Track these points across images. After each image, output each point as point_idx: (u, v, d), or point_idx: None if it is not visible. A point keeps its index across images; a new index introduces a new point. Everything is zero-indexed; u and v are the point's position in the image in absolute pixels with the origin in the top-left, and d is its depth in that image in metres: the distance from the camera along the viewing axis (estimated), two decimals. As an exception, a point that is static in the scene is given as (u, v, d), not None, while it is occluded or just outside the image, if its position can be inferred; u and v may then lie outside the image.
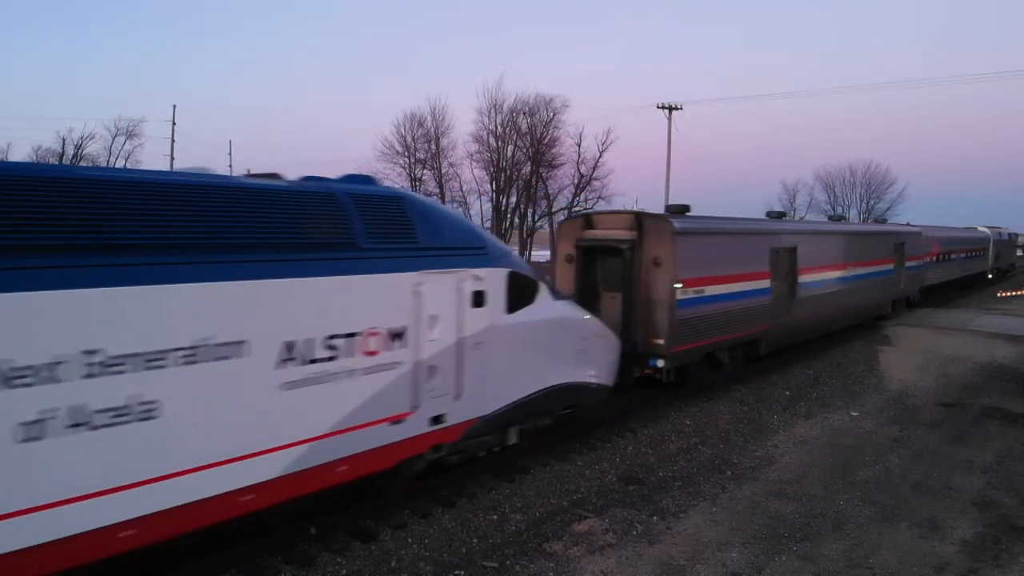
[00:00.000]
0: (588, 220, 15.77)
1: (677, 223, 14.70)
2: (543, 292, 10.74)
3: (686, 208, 17.48)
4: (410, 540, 8.84)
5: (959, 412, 15.68)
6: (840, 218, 28.02)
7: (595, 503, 10.19)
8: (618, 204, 56.56)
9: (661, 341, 14.31)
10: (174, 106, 69.18)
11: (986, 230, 49.35)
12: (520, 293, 10.24)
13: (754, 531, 9.36)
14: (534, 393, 10.64)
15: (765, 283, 17.34)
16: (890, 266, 26.27)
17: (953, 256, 38.11)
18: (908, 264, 28.20)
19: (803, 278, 19.13)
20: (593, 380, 12.16)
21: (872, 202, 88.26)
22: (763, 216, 22.25)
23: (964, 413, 15.62)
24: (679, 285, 14.28)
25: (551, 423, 11.82)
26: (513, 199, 59.97)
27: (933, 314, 30.23)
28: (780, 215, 23.64)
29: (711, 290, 15.27)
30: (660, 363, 14.34)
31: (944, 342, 23.68)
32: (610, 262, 14.85)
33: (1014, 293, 40.67)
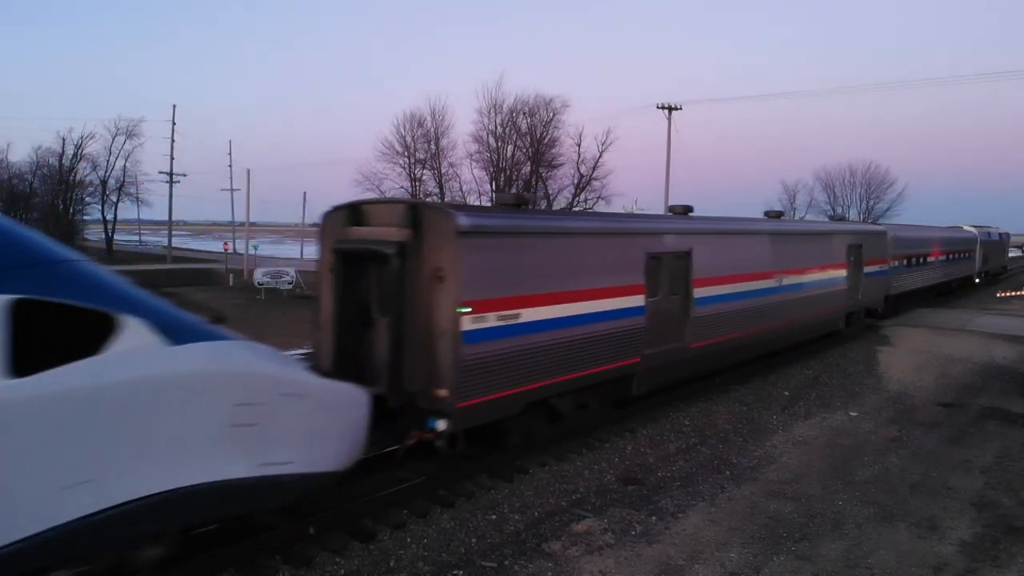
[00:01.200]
0: (354, 212, 10.92)
1: (465, 218, 10.08)
2: (133, 333, 6.09)
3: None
4: (409, 540, 8.85)
5: (958, 412, 15.69)
6: (779, 214, 22.36)
7: (594, 503, 10.20)
8: (618, 204, 56.62)
9: (443, 392, 9.81)
10: (174, 106, 69.23)
11: (972, 229, 44.62)
12: (54, 338, 5.85)
13: (753, 531, 9.36)
14: (92, 515, 5.72)
15: (637, 300, 12.89)
16: (842, 273, 21.78)
17: (930, 259, 33.00)
18: (868, 270, 23.82)
19: (702, 291, 14.79)
20: (281, 469, 7.17)
21: (872, 202, 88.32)
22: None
23: (963, 413, 15.62)
24: (466, 310, 9.82)
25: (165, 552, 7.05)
26: (513, 199, 59.82)
27: (932, 314, 30.23)
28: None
29: (532, 315, 10.84)
30: (441, 425, 9.78)
31: (943, 342, 23.68)
32: (379, 274, 10.37)
33: (1013, 293, 40.54)
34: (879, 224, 28.80)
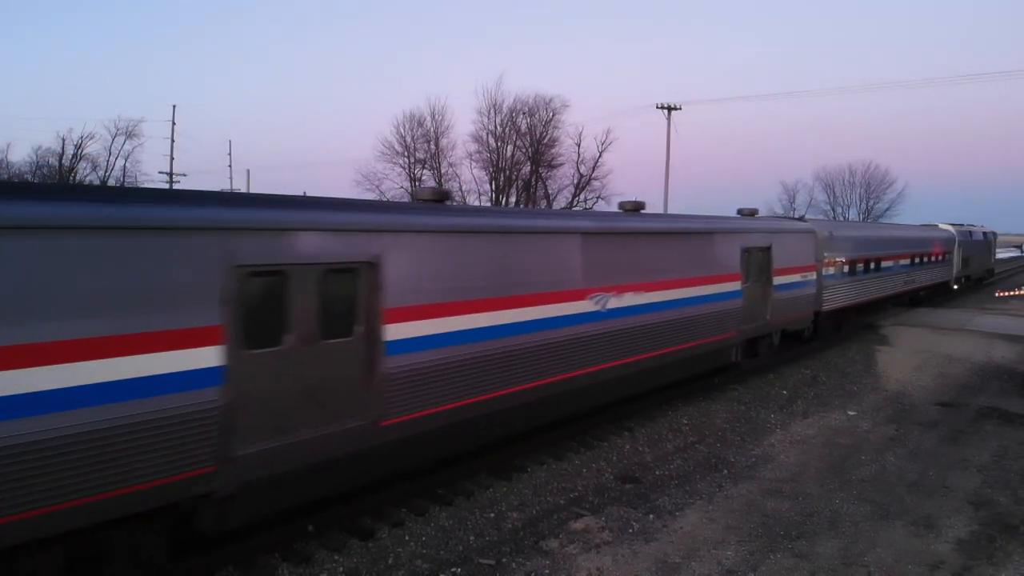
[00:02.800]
0: None
1: None
2: None
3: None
4: (407, 538, 8.89)
5: (956, 412, 15.72)
6: (638, 207, 15.70)
7: (592, 501, 10.24)
8: (617, 205, 56.64)
9: None
10: (174, 106, 69.21)
11: (949, 228, 39.14)
12: None
13: (750, 529, 9.40)
14: None
15: (202, 357, 6.93)
16: (731, 286, 16.03)
17: (887, 264, 27.15)
18: (783, 280, 18.24)
19: (401, 329, 8.85)
20: None
21: (872, 202, 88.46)
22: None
23: (961, 413, 15.66)
24: None
25: None
26: (513, 199, 60.02)
27: (931, 314, 30.26)
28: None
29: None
30: None
31: (942, 342, 23.72)
32: None
33: (1012, 293, 40.45)
34: (806, 219, 22.47)
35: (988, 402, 16.57)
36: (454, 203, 13.73)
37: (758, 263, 17.32)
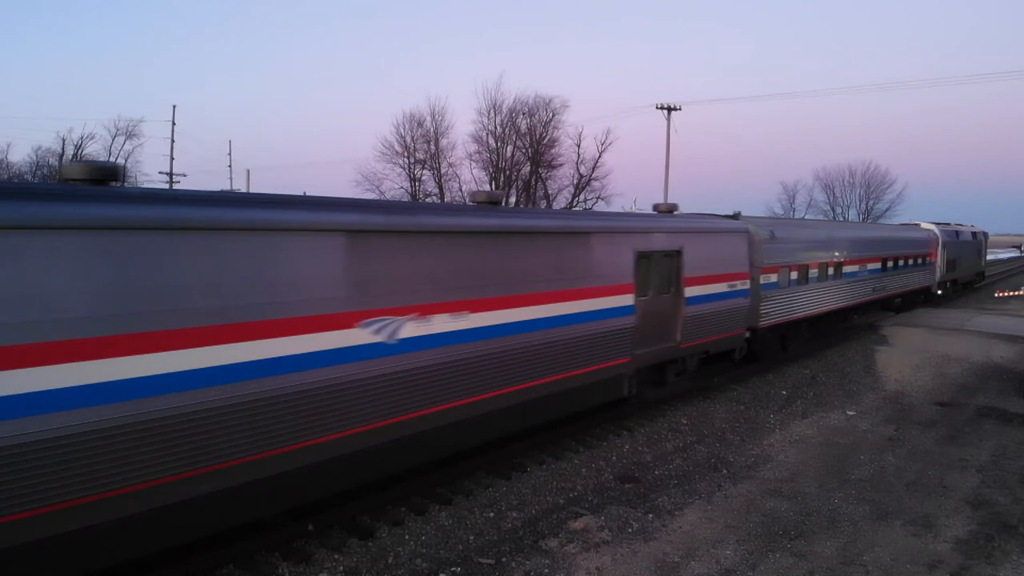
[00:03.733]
0: None
1: None
2: None
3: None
4: (407, 537, 8.91)
5: (955, 411, 15.75)
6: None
7: (591, 501, 10.26)
8: (617, 205, 56.65)
9: None
10: (174, 106, 69.20)
11: (931, 227, 35.33)
12: None
13: (749, 529, 9.43)
14: None
15: None
16: (619, 301, 12.67)
17: (850, 268, 23.48)
18: (700, 292, 14.95)
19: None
20: None
21: (871, 203, 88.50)
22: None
23: (960, 412, 15.68)
24: None
25: None
26: (513, 199, 60.06)
27: (930, 314, 30.27)
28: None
29: None
30: None
31: (941, 342, 23.73)
32: None
33: (1012, 293, 40.41)
34: (741, 217, 18.66)
35: (987, 402, 16.60)
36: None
37: (662, 271, 13.86)
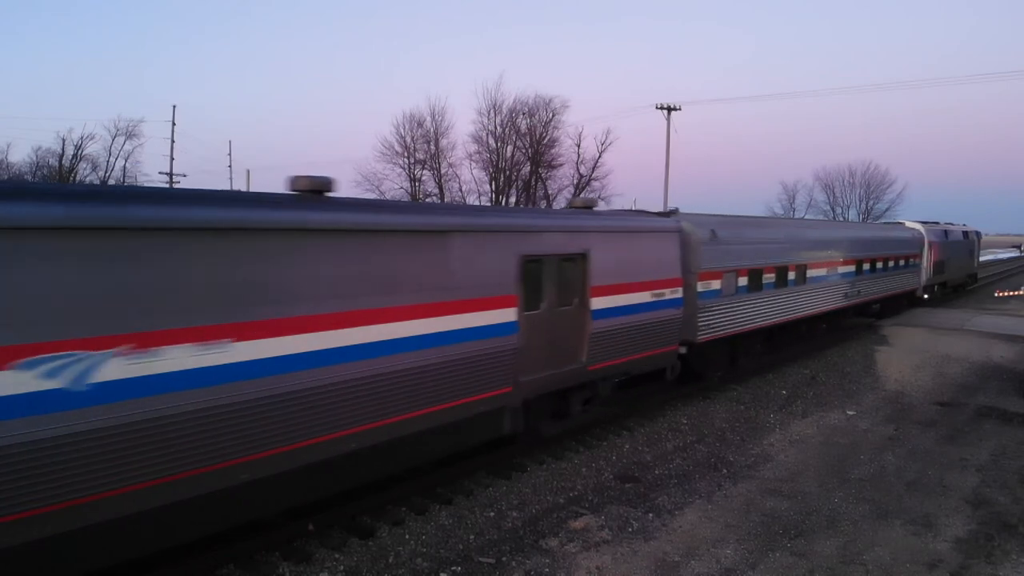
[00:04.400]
0: None
1: None
2: None
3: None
4: (407, 536, 8.91)
5: (955, 411, 15.76)
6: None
7: (591, 500, 10.27)
8: (617, 204, 56.72)
9: None
10: (174, 106, 69.15)
11: (916, 226, 32.82)
12: None
13: (749, 528, 9.43)
14: None
15: None
16: (493, 317, 10.31)
17: (815, 272, 20.73)
18: (613, 303, 12.65)
19: None
20: None
21: (871, 203, 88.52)
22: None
23: (960, 412, 15.69)
24: None
25: None
26: (512, 199, 60.07)
27: (930, 314, 30.27)
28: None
29: None
30: None
31: (941, 342, 23.73)
32: None
33: (1011, 293, 40.39)
34: (680, 215, 16.11)
35: (987, 402, 16.61)
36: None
37: (561, 279, 11.52)
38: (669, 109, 52.48)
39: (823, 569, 8.40)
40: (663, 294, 13.91)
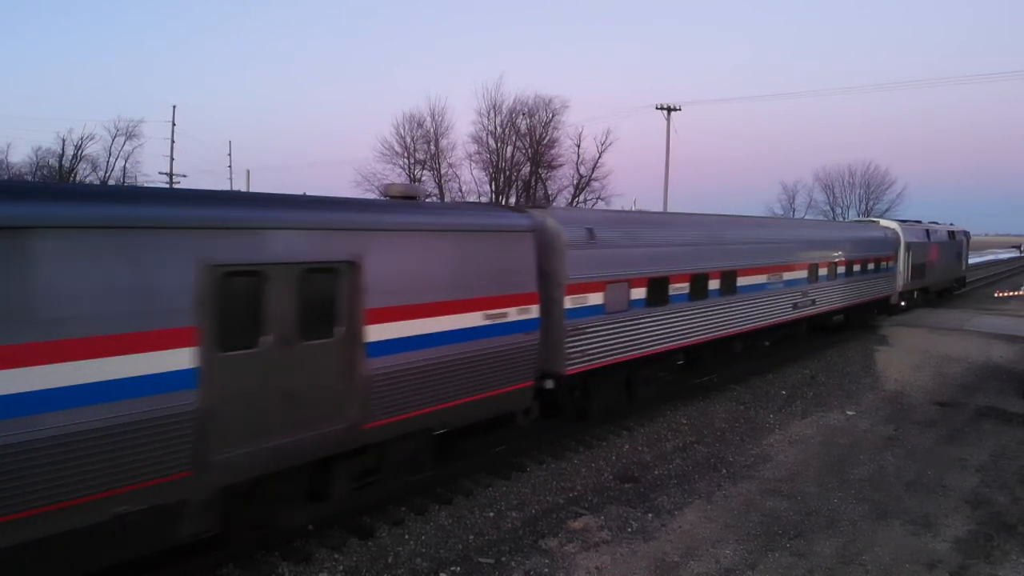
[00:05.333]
0: None
1: None
2: None
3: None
4: (407, 537, 8.92)
5: (954, 411, 15.76)
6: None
7: (591, 500, 10.27)
8: (616, 205, 56.68)
9: None
10: (174, 106, 69.08)
11: (892, 225, 29.47)
12: None
13: (748, 528, 9.44)
14: None
15: None
16: (146, 368, 6.67)
17: (749, 280, 17.25)
18: (404, 332, 9.14)
19: None
20: None
21: (871, 203, 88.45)
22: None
23: (959, 412, 15.69)
24: None
25: None
26: (512, 200, 60.06)
27: (930, 314, 30.29)
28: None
29: None
30: None
31: (941, 342, 23.75)
32: None
33: (1011, 293, 40.39)
34: (549, 210, 12.84)
35: (986, 402, 16.61)
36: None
37: (303, 299, 8.08)
38: (669, 109, 52.48)
39: (822, 569, 8.40)
40: (506, 315, 10.46)
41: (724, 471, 11.63)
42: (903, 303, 29.77)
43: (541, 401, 11.81)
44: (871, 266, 25.36)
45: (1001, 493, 10.94)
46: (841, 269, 22.69)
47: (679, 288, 14.66)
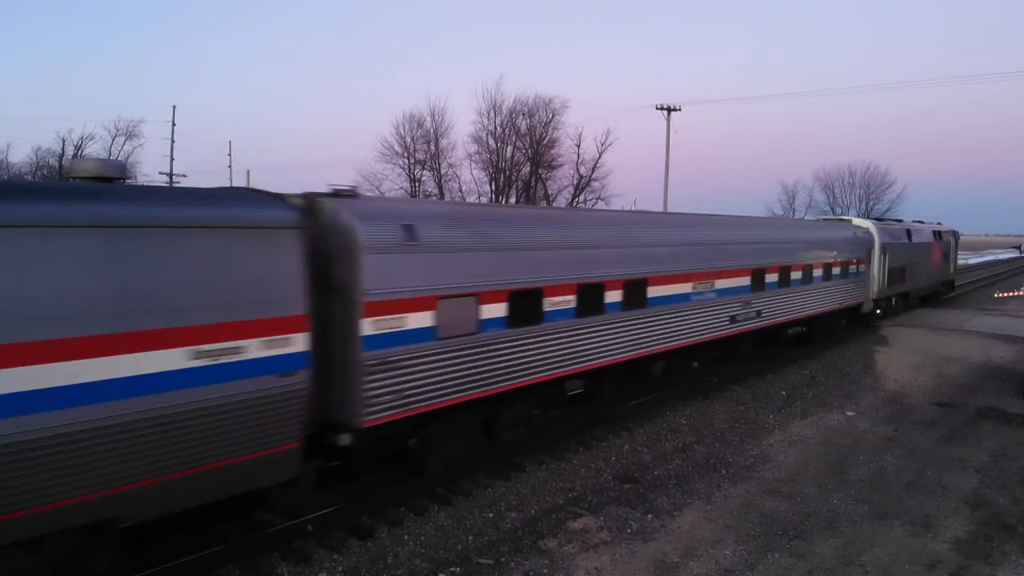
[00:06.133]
0: None
1: None
2: None
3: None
4: (406, 537, 8.91)
5: (954, 412, 15.76)
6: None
7: (590, 501, 10.26)
8: (616, 205, 56.65)
9: None
10: (174, 107, 69.09)
11: (866, 224, 26.46)
12: None
13: (748, 529, 9.44)
14: None
15: None
16: None
17: (663, 291, 14.05)
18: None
19: None
20: None
21: (872, 203, 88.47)
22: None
23: (959, 413, 15.69)
24: None
25: None
26: (512, 200, 60.06)
27: (930, 314, 30.29)
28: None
29: None
30: None
31: (940, 342, 23.75)
32: None
33: (1011, 293, 40.39)
34: (358, 200, 9.40)
35: (986, 402, 16.61)
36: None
37: None
38: (669, 109, 52.48)
39: (822, 570, 8.40)
40: (239, 350, 7.51)
41: (724, 472, 11.62)
42: (878, 311, 26.88)
43: (351, 459, 9.19)
44: (837, 270, 22.37)
45: (1001, 494, 10.94)
46: (797, 275, 19.62)
47: (560, 302, 11.64)
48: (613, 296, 12.82)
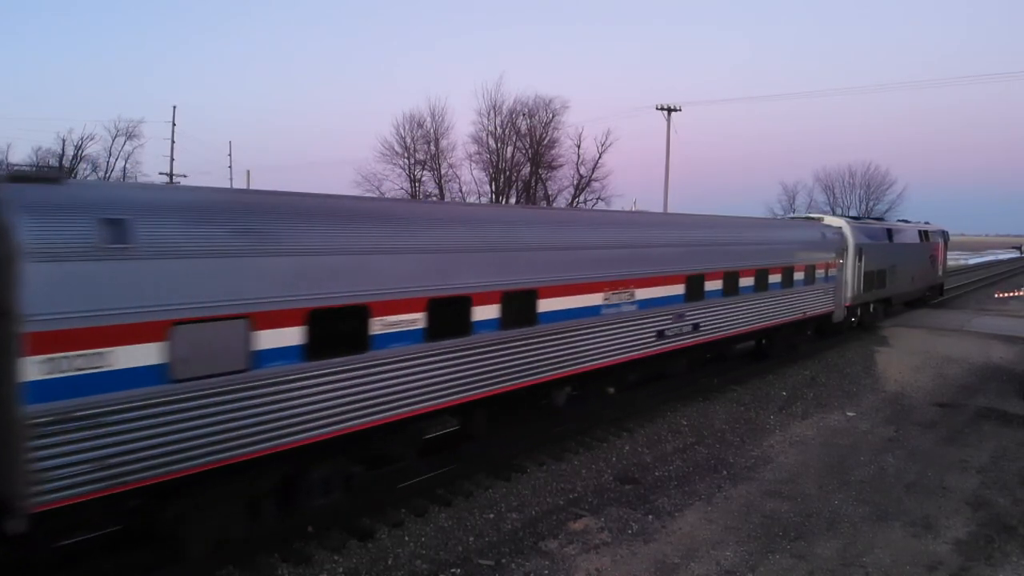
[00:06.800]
0: None
1: None
2: None
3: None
4: (407, 538, 8.90)
5: (955, 412, 15.74)
6: None
7: (591, 502, 10.25)
8: (617, 205, 56.63)
9: None
10: (174, 107, 69.12)
11: (839, 223, 24.11)
12: None
13: (748, 530, 9.43)
14: None
15: None
16: None
17: (557, 302, 11.57)
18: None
19: None
20: None
21: (872, 203, 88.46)
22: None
23: (960, 413, 15.68)
24: None
25: None
26: (512, 200, 60.04)
27: (930, 315, 30.28)
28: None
29: None
30: None
31: (941, 343, 23.74)
32: None
33: (1012, 293, 40.40)
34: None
35: (986, 403, 16.60)
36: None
37: None
38: (669, 110, 52.44)
39: (823, 571, 8.39)
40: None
41: (724, 472, 11.61)
42: (853, 319, 24.30)
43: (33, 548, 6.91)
44: (800, 275, 19.81)
45: (1001, 494, 10.93)
46: (747, 281, 17.20)
47: (399, 323, 9.08)
48: (485, 312, 10.36)
